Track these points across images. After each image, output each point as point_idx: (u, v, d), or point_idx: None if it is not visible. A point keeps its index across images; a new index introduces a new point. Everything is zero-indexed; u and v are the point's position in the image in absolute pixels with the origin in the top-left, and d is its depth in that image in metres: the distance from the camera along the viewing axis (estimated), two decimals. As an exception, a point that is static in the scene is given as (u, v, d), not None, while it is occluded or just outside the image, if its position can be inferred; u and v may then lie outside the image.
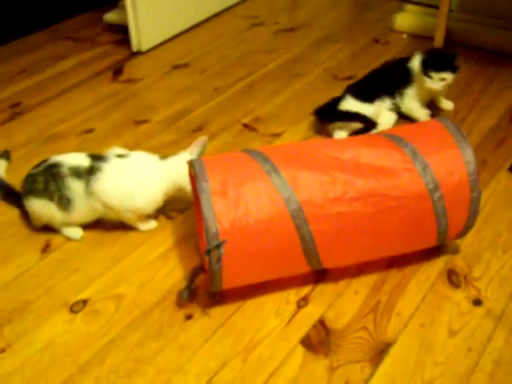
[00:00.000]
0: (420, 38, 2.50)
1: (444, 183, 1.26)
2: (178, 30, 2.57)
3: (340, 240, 1.24)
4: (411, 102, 1.96)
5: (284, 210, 1.19)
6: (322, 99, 2.04)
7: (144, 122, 2.03)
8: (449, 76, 1.86)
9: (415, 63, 1.93)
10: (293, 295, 1.39)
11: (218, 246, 1.16)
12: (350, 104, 1.84)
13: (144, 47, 2.45)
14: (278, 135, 1.93)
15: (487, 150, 1.86)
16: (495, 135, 1.93)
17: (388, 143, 1.30)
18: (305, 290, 1.40)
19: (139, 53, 2.45)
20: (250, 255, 1.20)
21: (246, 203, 1.18)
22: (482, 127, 1.96)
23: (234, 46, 2.49)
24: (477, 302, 1.37)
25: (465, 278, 1.43)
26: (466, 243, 1.50)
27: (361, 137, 1.40)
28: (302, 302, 1.37)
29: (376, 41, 2.53)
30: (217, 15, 2.75)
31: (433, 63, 1.86)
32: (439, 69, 1.85)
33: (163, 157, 1.55)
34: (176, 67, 2.34)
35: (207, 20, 2.70)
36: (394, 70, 1.97)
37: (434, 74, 1.84)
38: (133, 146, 1.88)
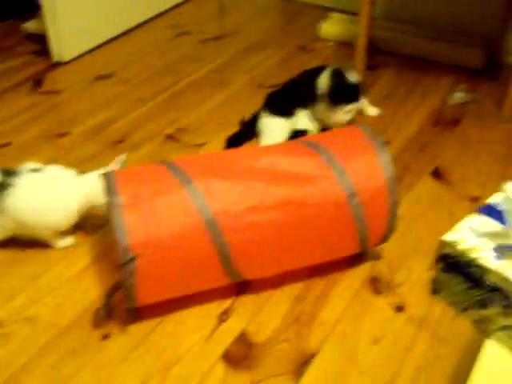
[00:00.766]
0: (345, 45, 2.52)
1: (362, 189, 1.25)
2: (101, 39, 2.51)
3: (258, 250, 1.21)
4: (305, 121, 1.89)
5: (198, 221, 1.15)
6: (246, 108, 2.03)
7: (64, 134, 1.96)
8: (354, 107, 1.81)
9: (321, 83, 1.83)
10: (214, 309, 1.35)
11: (129, 261, 1.11)
12: (268, 121, 1.82)
13: (66, 57, 2.38)
14: (201, 145, 1.89)
15: (410, 154, 1.88)
16: (418, 140, 1.95)
17: (306, 150, 1.29)
18: (226, 303, 1.37)
19: (61, 63, 2.37)
20: (165, 269, 1.16)
21: (159, 216, 1.14)
22: (405, 132, 1.98)
23: (159, 56, 2.44)
24: (399, 308, 1.36)
25: (388, 284, 1.42)
26: (389, 249, 1.50)
27: (278, 144, 1.38)
28: (224, 316, 1.34)
29: (302, 48, 2.53)
30: (142, 25, 2.70)
31: (339, 96, 1.78)
32: (346, 101, 1.79)
33: (80, 172, 1.49)
34: (99, 78, 2.28)
35: (132, 30, 2.65)
36: (304, 83, 1.90)
37: (340, 108, 1.79)
38: (52, 160, 1.81)
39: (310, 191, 1.22)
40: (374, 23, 2.46)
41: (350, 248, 1.33)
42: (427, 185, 1.75)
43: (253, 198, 1.18)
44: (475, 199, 1.69)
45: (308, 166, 1.24)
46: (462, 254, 0.88)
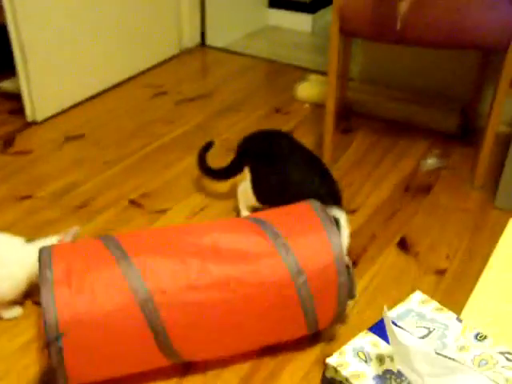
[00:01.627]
0: (321, 107, 2.50)
1: (308, 268, 1.20)
2: (76, 100, 2.50)
3: (197, 329, 1.16)
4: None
5: (132, 299, 1.10)
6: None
7: (27, 197, 1.92)
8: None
9: None
10: (157, 390, 1.29)
11: (57, 339, 1.06)
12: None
13: (39, 117, 2.37)
14: (163, 212, 1.86)
15: (378, 223, 1.84)
16: (387, 208, 1.91)
17: (251, 227, 1.25)
18: (171, 383, 1.30)
19: (34, 123, 2.35)
20: (97, 349, 1.11)
21: (92, 293, 1.09)
22: (374, 200, 1.94)
23: (133, 117, 2.43)
24: (353, 391, 1.29)
25: (342, 364, 1.36)
26: (346, 326, 1.44)
27: (223, 221, 1.34)
28: (168, 397, 1.27)
29: (277, 110, 2.52)
30: (120, 84, 2.70)
31: None
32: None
33: (30, 239, 1.45)
34: (70, 139, 2.26)
35: (108, 90, 2.64)
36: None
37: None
38: (12, 224, 1.77)
39: (252, 269, 1.17)
40: (350, 85, 2.46)
41: (298, 331, 1.28)
42: (392, 256, 1.71)
43: (191, 276, 1.14)
44: (441, 272, 1.65)
45: (252, 243, 1.20)
46: (346, 380, 0.82)
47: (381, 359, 0.85)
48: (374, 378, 0.82)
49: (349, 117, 2.45)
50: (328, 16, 3.75)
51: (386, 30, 1.75)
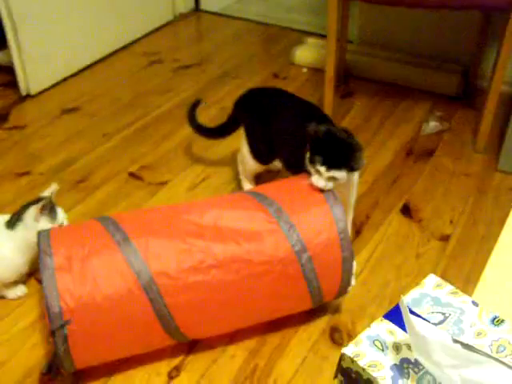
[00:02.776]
0: (320, 72, 2.45)
1: (312, 244, 1.19)
2: (70, 71, 2.46)
3: (202, 311, 1.15)
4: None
5: (135, 283, 1.09)
6: (214, 143, 1.97)
7: (25, 173, 1.90)
8: (342, 176, 1.29)
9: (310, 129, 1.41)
10: (164, 366, 1.29)
11: (61, 326, 1.05)
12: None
13: (33, 91, 2.33)
14: (163, 184, 1.84)
15: (380, 189, 1.82)
16: (389, 174, 1.89)
17: (252, 203, 1.23)
18: (177, 360, 1.31)
19: (28, 96, 2.31)
20: (102, 334, 1.10)
21: (94, 278, 1.08)
22: (376, 166, 1.92)
23: (129, 87, 2.39)
24: (360, 361, 1.29)
25: (348, 334, 1.36)
26: (351, 296, 1.43)
27: (224, 197, 1.32)
28: (174, 372, 1.28)
29: (275, 75, 2.48)
30: (113, 54, 2.64)
31: (324, 154, 1.29)
32: (332, 165, 1.28)
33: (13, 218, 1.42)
34: (66, 112, 2.23)
35: (103, 59, 2.59)
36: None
37: (323, 170, 1.28)
38: (11, 202, 1.75)
39: (255, 248, 1.16)
40: (348, 47, 2.41)
41: (302, 305, 1.27)
42: (396, 223, 1.69)
43: (194, 257, 1.13)
44: (445, 238, 1.64)
45: (254, 220, 1.18)
46: (362, 371, 0.80)
47: (397, 347, 0.84)
48: (391, 368, 0.80)
49: (348, 80, 2.41)
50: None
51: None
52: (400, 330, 0.87)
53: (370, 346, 0.84)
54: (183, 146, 2.02)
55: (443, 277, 1.50)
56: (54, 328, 1.06)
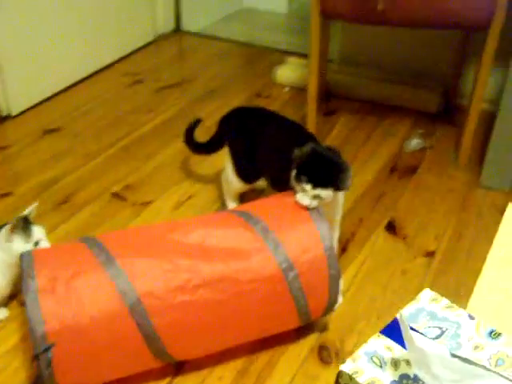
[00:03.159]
0: (302, 91, 2.47)
1: (299, 262, 1.18)
2: (51, 91, 2.44)
3: (189, 331, 1.14)
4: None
5: (121, 304, 1.07)
6: (199, 161, 1.97)
7: (6, 195, 1.88)
8: (327, 195, 1.28)
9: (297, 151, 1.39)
10: (150, 389, 1.27)
11: (46, 350, 1.03)
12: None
13: (14, 111, 2.31)
14: (148, 204, 1.83)
15: (365, 206, 1.82)
16: (374, 190, 1.90)
17: (238, 222, 1.22)
18: (164, 381, 1.29)
19: (9, 117, 2.29)
20: (87, 356, 1.08)
21: (78, 300, 1.06)
22: (360, 182, 1.93)
23: (111, 107, 2.38)
24: (349, 380, 1.28)
25: (336, 353, 1.35)
26: (339, 313, 1.43)
27: (209, 216, 1.31)
28: (161, 397, 1.26)
29: (258, 95, 2.49)
30: (94, 74, 2.63)
31: (310, 171, 1.27)
32: (318, 183, 1.26)
33: None
34: (47, 132, 2.21)
35: (84, 80, 2.58)
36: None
37: (308, 188, 1.26)
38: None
39: (242, 267, 1.15)
40: (329, 67, 2.42)
41: (290, 323, 1.26)
42: (381, 239, 1.70)
43: (180, 277, 1.11)
44: (430, 254, 1.64)
45: (241, 239, 1.18)
46: None
47: (396, 363, 0.83)
48: None
49: (329, 99, 2.42)
50: (304, -5, 3.69)
51: (368, 11, 1.72)
52: (398, 345, 0.86)
53: (369, 362, 0.83)
54: (167, 166, 2.01)
55: (430, 293, 1.51)
56: (38, 352, 1.03)
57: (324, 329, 1.40)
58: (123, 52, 2.81)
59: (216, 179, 1.90)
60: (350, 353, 1.32)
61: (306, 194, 1.27)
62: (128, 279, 1.09)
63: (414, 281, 1.55)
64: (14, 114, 2.31)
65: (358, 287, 1.52)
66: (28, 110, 2.36)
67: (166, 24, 3.08)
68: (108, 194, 1.87)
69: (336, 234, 1.51)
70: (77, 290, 1.07)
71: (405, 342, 0.80)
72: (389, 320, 1.40)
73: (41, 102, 2.40)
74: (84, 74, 2.59)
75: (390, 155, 2.09)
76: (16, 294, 1.48)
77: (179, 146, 2.08)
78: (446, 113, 2.34)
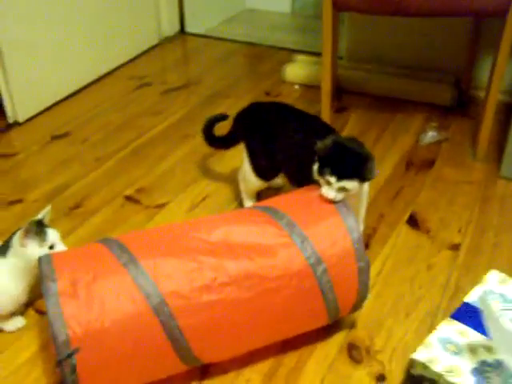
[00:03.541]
0: (312, 88, 2.44)
1: (327, 256, 1.14)
2: (58, 97, 2.41)
3: (216, 332, 1.09)
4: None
5: (145, 306, 1.03)
6: (211, 162, 1.94)
7: (18, 201, 1.84)
8: (353, 186, 1.24)
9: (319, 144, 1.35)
10: (177, 394, 1.22)
11: (69, 356, 0.99)
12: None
13: (21, 118, 2.27)
14: (162, 206, 1.78)
15: (384, 202, 1.78)
16: (391, 186, 1.85)
17: (262, 217, 1.18)
18: (190, 387, 1.24)
19: (16, 124, 2.26)
20: (111, 361, 1.04)
21: (101, 303, 1.02)
22: (377, 179, 1.88)
23: (119, 110, 2.34)
24: (380, 378, 1.24)
25: (366, 351, 1.31)
26: (367, 310, 1.38)
27: (231, 213, 1.27)
28: (188, 401, 1.21)
29: (267, 94, 2.45)
30: (101, 78, 2.60)
31: (334, 163, 1.23)
32: (342, 175, 1.22)
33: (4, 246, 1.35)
34: (55, 138, 2.17)
35: (91, 84, 2.55)
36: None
37: (333, 180, 1.22)
38: (5, 231, 1.68)
39: (269, 263, 1.10)
40: (340, 63, 2.39)
41: (319, 320, 1.22)
42: (403, 234, 1.65)
43: (206, 276, 1.07)
44: (455, 247, 1.59)
45: (266, 234, 1.13)
46: (439, 377, 0.74)
47: (473, 349, 0.77)
48: (471, 372, 0.73)
49: (340, 96, 2.38)
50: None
51: (383, 1, 1.68)
52: (471, 330, 0.80)
53: (444, 350, 0.77)
54: (180, 167, 1.97)
55: (457, 287, 1.46)
56: (62, 358, 0.99)
57: (352, 326, 1.36)
58: (129, 56, 2.77)
59: (231, 178, 1.86)
60: (381, 351, 1.28)
61: (330, 187, 1.23)
62: (152, 280, 1.04)
63: (441, 275, 1.50)
64: (21, 120, 2.27)
65: (383, 284, 1.48)
66: (35, 116, 2.32)
67: (170, 27, 3.05)
68: (121, 198, 1.83)
69: (361, 227, 1.46)
70: (99, 292, 1.03)
71: (486, 325, 0.75)
72: (418, 316, 1.37)
73: (47, 108, 2.37)
74: (90, 79, 2.56)
75: (406, 150, 2.04)
76: (32, 302, 1.43)
77: (190, 147, 2.05)
78: (460, 105, 2.30)
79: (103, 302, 1.02)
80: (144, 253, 1.09)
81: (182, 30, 3.14)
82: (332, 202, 1.23)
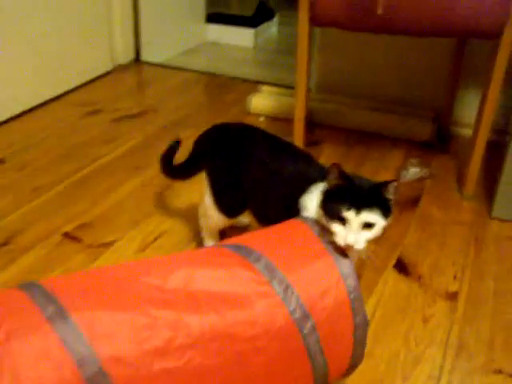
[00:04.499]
0: (278, 120, 2.23)
1: (316, 309, 0.89)
2: (-4, 120, 2.12)
3: (172, 410, 0.82)
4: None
5: (76, 377, 0.75)
6: (164, 196, 1.68)
7: None
8: (378, 220, 1.00)
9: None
10: None
11: None
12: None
13: (-50, 143, 1.97)
14: (107, 245, 1.51)
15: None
16: (373, 226, 1.62)
17: (233, 259, 0.92)
18: None
19: None
20: None
21: (14, 375, 0.74)
22: (357, 217, 1.65)
23: (64, 138, 2.08)
24: None
25: (358, 428, 1.04)
26: (357, 373, 1.12)
27: (194, 252, 1.01)
28: None
29: (231, 125, 2.21)
30: (47, 103, 2.33)
31: (348, 194, 1.00)
32: (362, 205, 0.98)
33: None
34: (-12, 165, 1.88)
35: (35, 108, 2.28)
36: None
37: (351, 216, 0.98)
38: None
39: (242, 318, 0.84)
40: (310, 96, 2.19)
41: (304, 390, 0.95)
42: (392, 281, 1.42)
43: (160, 335, 0.80)
44: (452, 296, 1.37)
45: (238, 280, 0.88)
46: None
47: None
48: None
49: (313, 129, 2.17)
50: (271, 29, 3.53)
51: (365, 16, 1.49)
52: None
53: None
54: (129, 201, 1.70)
55: (460, 343, 1.23)
56: None
57: (341, 391, 1.10)
58: (79, 81, 2.52)
59: (189, 214, 1.61)
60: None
61: (348, 228, 0.97)
62: (86, 340, 0.77)
63: (440, 329, 1.28)
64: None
65: (374, 340, 1.24)
66: (-35, 141, 2.03)
67: (125, 54, 2.82)
68: (58, 235, 1.55)
69: None
70: (12, 357, 0.75)
71: None
72: (419, 380, 1.13)
73: (-19, 134, 2.08)
74: (34, 103, 2.29)
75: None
76: None
77: (142, 179, 1.79)
78: (440, 141, 2.12)
79: (17, 372, 0.74)
80: (78, 303, 0.81)
81: (138, 59, 2.92)
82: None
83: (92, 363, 0.76)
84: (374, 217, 0.97)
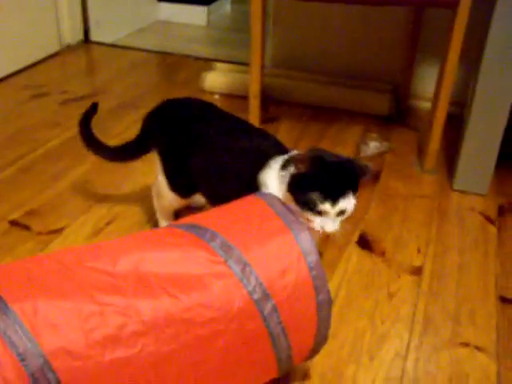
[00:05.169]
0: (233, 97, 2.16)
1: (276, 288, 0.84)
2: None
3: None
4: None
5: (19, 372, 0.69)
6: (117, 179, 1.61)
7: None
8: (352, 204, 1.01)
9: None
10: None
11: None
12: None
13: None
14: (57, 232, 1.43)
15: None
16: (334, 202, 1.58)
17: (186, 239, 0.87)
18: None
19: None
20: None
21: None
22: (317, 193, 1.60)
23: (9, 122, 1.98)
24: None
25: (325, 410, 1.00)
26: (321, 355, 1.07)
27: (143, 234, 0.95)
28: None
29: (185, 104, 2.14)
30: (-12, 87, 2.22)
31: (321, 182, 0.99)
32: (337, 194, 0.98)
33: None
34: None
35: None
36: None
37: (328, 208, 0.99)
38: None
39: (198, 301, 0.79)
40: (265, 71, 2.13)
41: (265, 374, 0.91)
42: (355, 258, 1.38)
43: (110, 322, 0.74)
44: (417, 270, 1.34)
45: (192, 261, 0.82)
46: None
47: None
48: None
49: (268, 105, 2.11)
50: (225, 7, 3.45)
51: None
52: None
53: None
54: (80, 185, 1.62)
55: (426, 318, 1.20)
56: None
57: (305, 377, 1.06)
58: (24, 63, 2.41)
59: (143, 197, 1.54)
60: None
61: (326, 216, 0.99)
62: (29, 332, 0.70)
63: (405, 305, 1.24)
64: None
65: (338, 319, 1.20)
66: None
67: (72, 34, 2.70)
68: (5, 223, 1.46)
69: None
70: None
71: None
72: (385, 358, 1.09)
73: None
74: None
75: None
76: None
77: (92, 162, 1.70)
78: (398, 115, 2.09)
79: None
80: (18, 293, 0.75)
81: (87, 39, 2.80)
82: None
83: (36, 357, 0.69)
84: (349, 202, 0.99)
